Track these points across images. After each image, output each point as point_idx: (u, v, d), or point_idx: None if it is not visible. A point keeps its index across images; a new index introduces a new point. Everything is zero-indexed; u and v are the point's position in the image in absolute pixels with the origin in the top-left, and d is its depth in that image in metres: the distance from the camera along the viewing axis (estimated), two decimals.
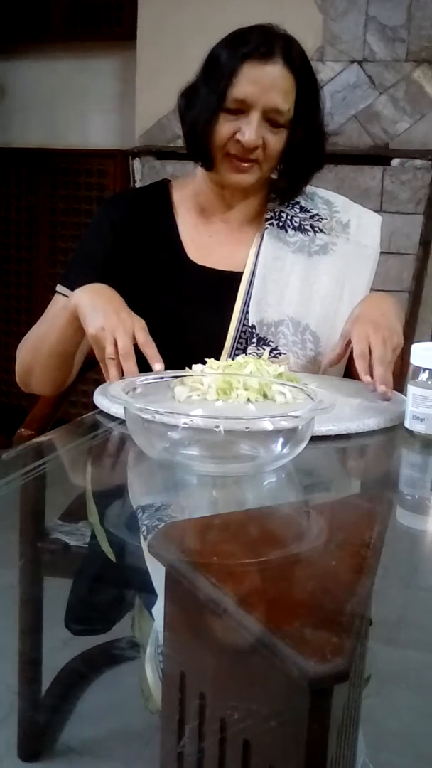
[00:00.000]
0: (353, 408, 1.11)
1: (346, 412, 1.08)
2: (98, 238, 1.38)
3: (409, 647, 0.71)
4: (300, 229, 1.37)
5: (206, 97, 1.26)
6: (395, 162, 2.59)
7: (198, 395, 1.05)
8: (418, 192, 2.56)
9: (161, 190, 1.42)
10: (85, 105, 3.35)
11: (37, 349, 1.31)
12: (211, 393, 1.04)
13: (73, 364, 1.33)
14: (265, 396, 1.04)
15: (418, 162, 2.56)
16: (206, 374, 1.08)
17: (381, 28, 2.63)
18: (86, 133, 3.35)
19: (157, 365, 1.10)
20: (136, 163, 2.89)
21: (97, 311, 1.15)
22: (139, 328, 1.14)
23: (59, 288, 1.35)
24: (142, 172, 2.86)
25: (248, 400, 1.02)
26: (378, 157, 2.61)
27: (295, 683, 0.39)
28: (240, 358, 1.15)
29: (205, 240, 1.37)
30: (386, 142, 2.66)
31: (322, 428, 1.00)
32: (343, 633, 0.42)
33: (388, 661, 0.67)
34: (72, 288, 1.28)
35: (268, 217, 1.37)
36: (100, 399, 1.11)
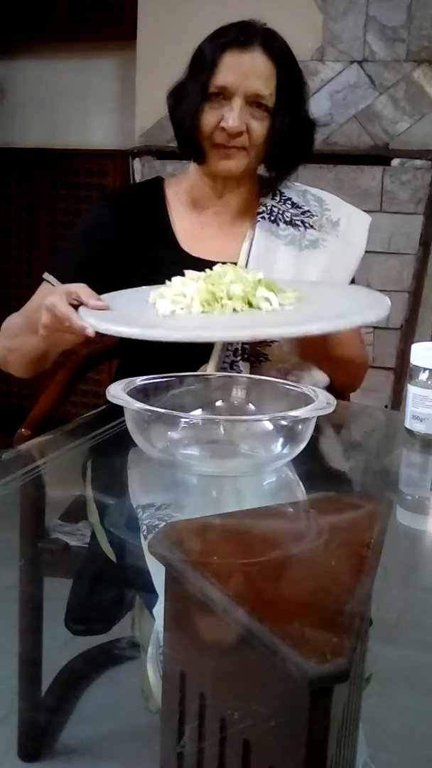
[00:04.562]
0: (342, 308, 1.11)
1: (334, 312, 1.08)
2: (87, 235, 1.41)
3: (409, 647, 0.71)
4: (291, 223, 1.38)
5: (191, 91, 1.29)
6: (395, 162, 2.59)
7: (182, 308, 1.04)
8: (418, 192, 2.56)
9: (155, 187, 1.44)
10: (85, 105, 3.35)
11: (14, 348, 1.34)
12: (195, 305, 1.03)
13: (48, 359, 1.35)
14: (250, 305, 1.03)
15: (418, 162, 2.56)
16: (187, 285, 1.07)
17: (381, 28, 2.63)
18: (86, 133, 3.35)
19: (92, 301, 1.11)
20: (136, 163, 2.89)
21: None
22: (62, 292, 1.13)
23: (46, 275, 1.38)
24: (142, 172, 2.86)
25: (234, 310, 1.01)
26: (378, 157, 2.61)
27: (295, 683, 0.39)
28: (218, 267, 1.14)
29: (198, 232, 1.39)
30: (386, 142, 2.66)
31: (313, 327, 1.00)
32: (343, 633, 0.42)
33: (388, 661, 0.67)
34: (57, 275, 1.35)
35: (260, 211, 1.39)
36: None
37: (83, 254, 1.39)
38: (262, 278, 1.13)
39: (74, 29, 3.24)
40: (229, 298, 1.04)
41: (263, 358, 1.30)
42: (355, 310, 1.10)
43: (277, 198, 1.41)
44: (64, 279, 1.36)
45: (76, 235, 1.45)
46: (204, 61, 1.28)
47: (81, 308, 1.10)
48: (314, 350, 1.27)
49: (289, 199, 1.41)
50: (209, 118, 1.28)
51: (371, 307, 1.10)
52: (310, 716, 0.39)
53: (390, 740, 0.63)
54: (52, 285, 1.36)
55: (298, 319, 1.06)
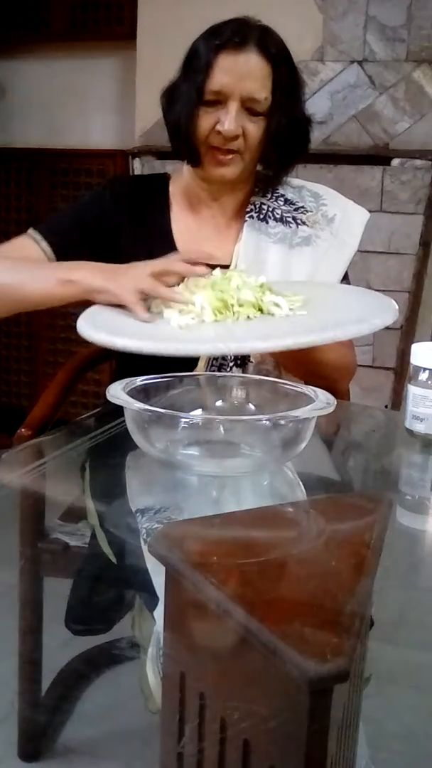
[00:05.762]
0: (356, 312, 1.10)
1: (353, 316, 1.07)
2: (87, 205, 1.40)
3: (409, 647, 0.71)
4: (282, 220, 1.37)
5: (186, 93, 1.27)
6: (395, 162, 2.59)
7: (193, 318, 1.03)
8: (418, 192, 2.56)
9: (161, 183, 1.43)
10: (85, 105, 3.35)
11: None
12: (207, 314, 1.02)
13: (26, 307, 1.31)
14: (260, 310, 1.01)
15: (418, 162, 2.56)
16: (193, 293, 1.06)
17: (381, 28, 2.63)
18: (86, 133, 3.35)
19: (198, 268, 1.12)
20: (136, 163, 2.89)
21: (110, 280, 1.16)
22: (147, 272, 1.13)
23: (31, 231, 1.34)
24: (142, 172, 2.86)
25: (248, 317, 1.00)
26: (378, 157, 2.61)
27: (295, 683, 0.39)
28: (217, 272, 1.13)
29: (195, 234, 1.38)
30: (386, 142, 2.66)
31: (339, 333, 0.99)
32: (343, 633, 0.42)
33: (388, 661, 0.67)
34: (43, 233, 1.31)
35: (248, 210, 1.38)
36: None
37: (78, 219, 1.36)
38: (265, 282, 1.12)
39: (74, 29, 3.25)
40: (240, 305, 1.03)
41: (247, 360, 1.30)
42: (369, 313, 1.08)
43: (269, 195, 1.39)
44: (50, 236, 1.32)
45: (75, 204, 1.42)
46: (198, 62, 1.26)
47: (86, 318, 1.09)
48: (289, 354, 1.22)
49: (282, 195, 1.40)
50: (205, 121, 1.26)
51: (383, 310, 1.08)
52: (310, 716, 0.39)
53: (390, 740, 0.63)
54: (35, 239, 1.32)
55: (318, 326, 1.04)
